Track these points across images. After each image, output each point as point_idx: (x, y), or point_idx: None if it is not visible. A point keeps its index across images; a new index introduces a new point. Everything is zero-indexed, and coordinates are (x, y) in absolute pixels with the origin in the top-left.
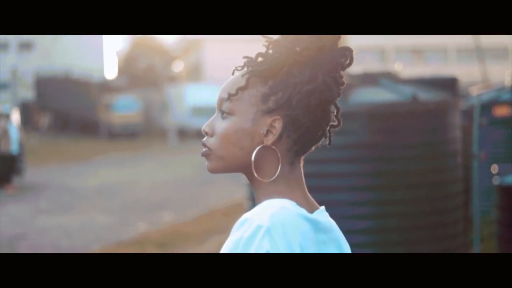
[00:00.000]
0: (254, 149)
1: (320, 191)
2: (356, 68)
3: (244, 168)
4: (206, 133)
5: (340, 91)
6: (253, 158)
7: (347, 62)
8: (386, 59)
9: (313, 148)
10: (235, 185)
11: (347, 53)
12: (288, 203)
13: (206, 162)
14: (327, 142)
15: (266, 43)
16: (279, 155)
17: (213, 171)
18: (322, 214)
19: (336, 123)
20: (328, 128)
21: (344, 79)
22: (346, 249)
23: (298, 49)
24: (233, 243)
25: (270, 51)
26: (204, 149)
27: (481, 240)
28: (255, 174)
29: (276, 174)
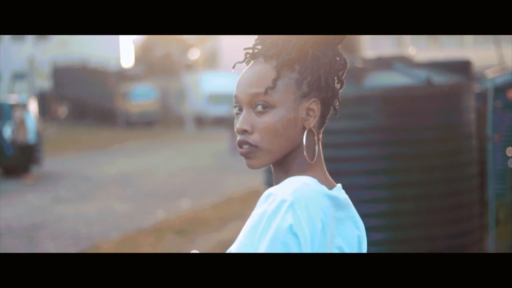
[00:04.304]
0: (298, 135)
1: (336, 175)
2: (371, 53)
3: (285, 155)
4: (245, 131)
5: None
6: (304, 142)
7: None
8: (402, 44)
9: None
10: (252, 172)
11: None
12: (310, 180)
13: (247, 160)
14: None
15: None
16: (315, 135)
17: (258, 166)
18: (340, 191)
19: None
20: None
21: None
22: (361, 225)
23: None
24: (258, 216)
25: (280, 41)
26: (244, 148)
27: (497, 223)
28: (306, 157)
29: (316, 154)
